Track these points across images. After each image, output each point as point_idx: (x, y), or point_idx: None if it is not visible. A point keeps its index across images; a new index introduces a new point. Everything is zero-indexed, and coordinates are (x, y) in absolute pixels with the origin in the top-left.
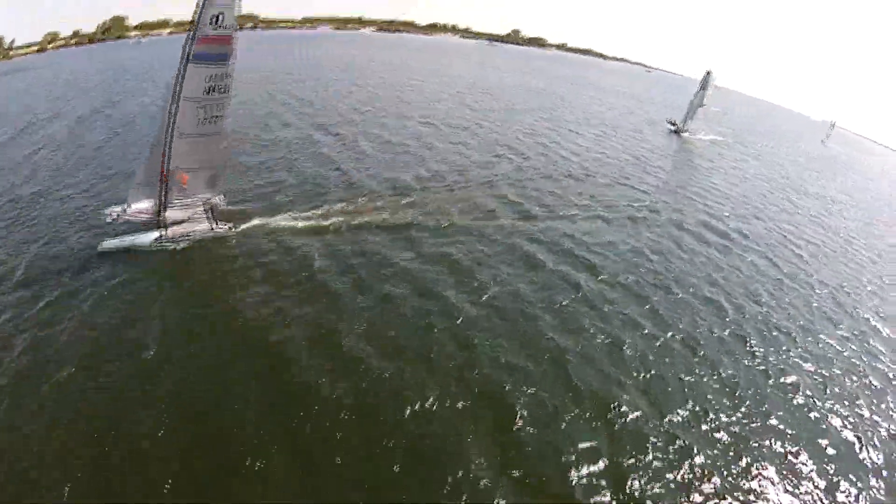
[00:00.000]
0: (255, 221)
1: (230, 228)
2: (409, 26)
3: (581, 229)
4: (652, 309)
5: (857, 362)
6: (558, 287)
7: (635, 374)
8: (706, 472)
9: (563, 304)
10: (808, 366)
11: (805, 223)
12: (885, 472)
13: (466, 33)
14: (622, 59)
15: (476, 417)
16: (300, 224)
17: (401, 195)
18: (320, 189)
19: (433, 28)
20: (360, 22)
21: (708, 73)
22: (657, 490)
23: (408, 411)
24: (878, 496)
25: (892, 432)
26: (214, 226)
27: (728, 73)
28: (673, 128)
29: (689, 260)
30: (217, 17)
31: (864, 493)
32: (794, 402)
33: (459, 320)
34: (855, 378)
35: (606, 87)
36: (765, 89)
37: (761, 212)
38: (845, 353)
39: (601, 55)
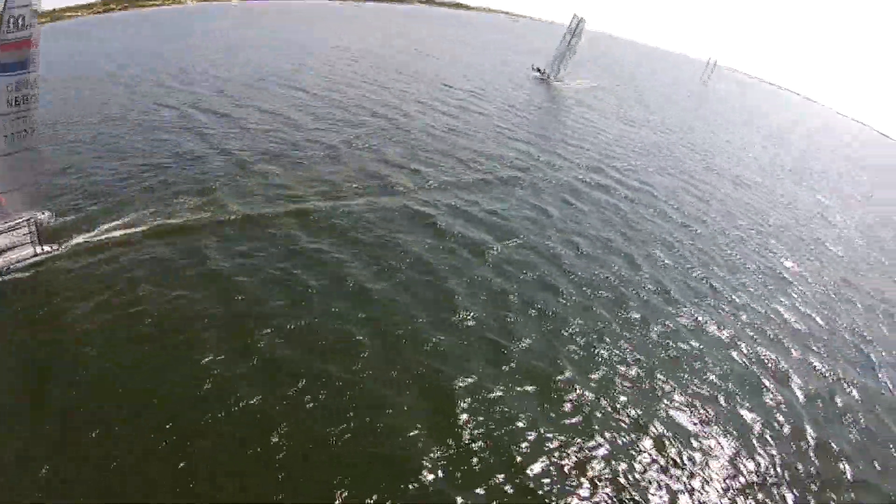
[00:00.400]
0: (90, 234)
1: (57, 247)
2: None
3: (476, 191)
4: (561, 266)
5: (762, 305)
6: (466, 255)
7: (561, 342)
8: (616, 418)
9: (475, 273)
10: (711, 304)
11: (688, 162)
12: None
13: None
14: (486, 10)
15: (404, 388)
16: (146, 227)
17: (285, 170)
18: (171, 182)
19: None
20: None
21: (579, 19)
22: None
23: (333, 405)
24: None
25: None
26: (39, 249)
27: (602, 18)
28: (540, 75)
29: (586, 212)
30: (17, 21)
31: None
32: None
33: (373, 305)
34: (761, 321)
35: (473, 42)
36: (641, 32)
37: (646, 156)
38: (752, 291)
39: (465, 6)
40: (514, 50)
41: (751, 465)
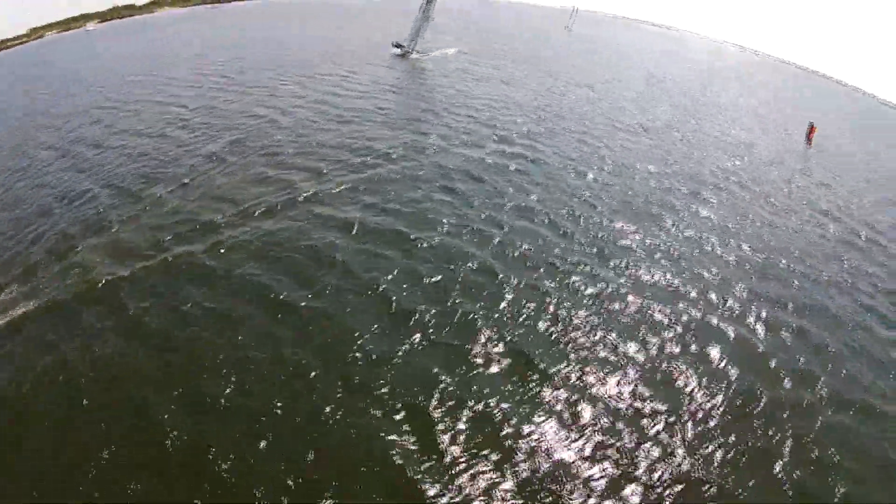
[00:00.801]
0: None
1: None
2: (131, 9)
3: (378, 182)
4: (490, 246)
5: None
6: (390, 254)
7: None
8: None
9: (406, 270)
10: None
11: (566, 113)
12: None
13: (186, 2)
14: None
15: (363, 410)
16: (50, 288)
17: (181, 192)
18: (65, 230)
19: (154, 5)
20: (84, 18)
21: None
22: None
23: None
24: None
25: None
26: None
27: None
28: (399, 51)
29: (497, 185)
30: None
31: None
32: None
33: (310, 323)
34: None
35: (336, 27)
36: None
37: (529, 117)
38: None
39: None
40: (379, 29)
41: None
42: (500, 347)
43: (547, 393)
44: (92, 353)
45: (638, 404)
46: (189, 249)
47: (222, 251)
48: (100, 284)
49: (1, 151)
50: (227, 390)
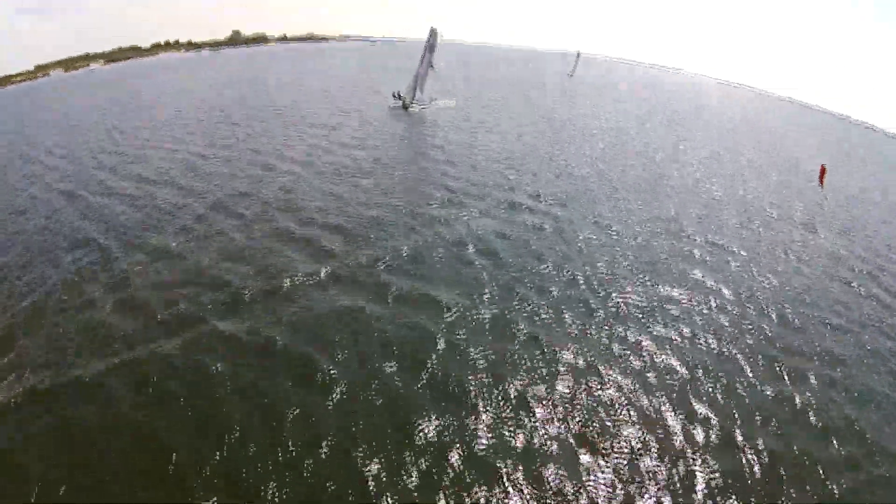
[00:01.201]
0: None
1: None
2: (136, 51)
3: (392, 243)
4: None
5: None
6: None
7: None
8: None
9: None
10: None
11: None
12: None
13: (190, 46)
14: (345, 37)
15: None
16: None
17: (180, 261)
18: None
19: (158, 48)
20: (87, 58)
21: (433, 31)
22: None
23: None
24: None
25: None
26: None
27: (455, 27)
28: (398, 102)
29: (526, 241)
30: None
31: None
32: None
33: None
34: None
35: (333, 72)
36: (496, 35)
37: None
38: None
39: (323, 38)
40: (379, 74)
41: None
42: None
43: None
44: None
45: (673, 467)
46: (214, 322)
47: (247, 320)
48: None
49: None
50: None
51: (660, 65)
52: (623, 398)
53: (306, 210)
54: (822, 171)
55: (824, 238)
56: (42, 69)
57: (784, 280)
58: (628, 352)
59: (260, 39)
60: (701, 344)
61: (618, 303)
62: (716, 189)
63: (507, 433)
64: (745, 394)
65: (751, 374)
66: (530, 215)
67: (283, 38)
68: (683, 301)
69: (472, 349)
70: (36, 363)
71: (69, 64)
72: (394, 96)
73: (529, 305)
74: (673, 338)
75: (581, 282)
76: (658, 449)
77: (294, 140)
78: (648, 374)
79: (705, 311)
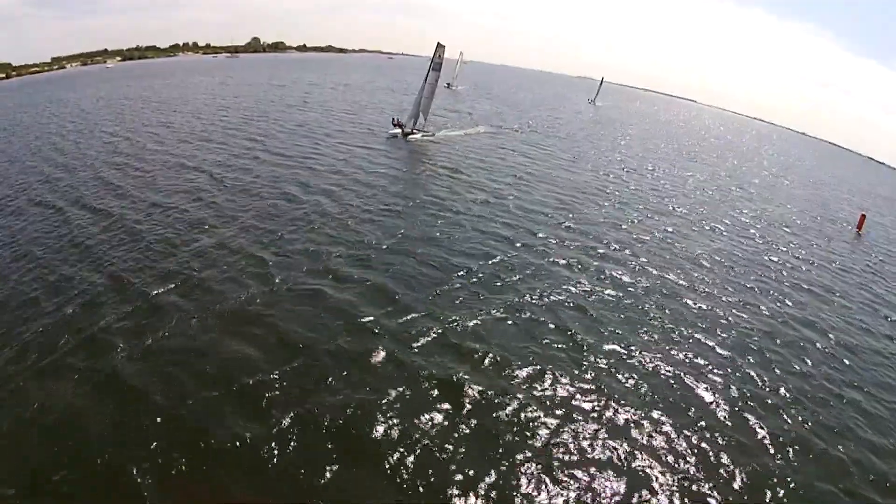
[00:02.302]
0: None
1: None
2: (154, 50)
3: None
4: None
5: None
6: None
7: None
8: None
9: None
10: None
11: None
12: None
13: (208, 49)
14: (362, 51)
15: None
16: None
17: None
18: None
19: (176, 49)
20: (104, 54)
21: (439, 47)
22: None
23: None
24: None
25: None
26: None
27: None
28: (397, 130)
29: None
30: None
31: None
32: None
33: None
34: None
35: (354, 84)
36: (530, 59)
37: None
38: None
39: (342, 50)
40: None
41: None
42: None
43: None
44: None
45: None
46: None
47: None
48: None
49: None
50: None
51: (673, 94)
52: None
53: None
54: (862, 219)
55: None
56: (58, 61)
57: None
58: None
59: (279, 47)
60: None
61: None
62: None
63: None
64: None
65: None
66: None
67: (302, 48)
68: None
69: None
70: None
71: (87, 58)
72: (393, 123)
73: None
74: None
75: None
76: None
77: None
78: None
79: None
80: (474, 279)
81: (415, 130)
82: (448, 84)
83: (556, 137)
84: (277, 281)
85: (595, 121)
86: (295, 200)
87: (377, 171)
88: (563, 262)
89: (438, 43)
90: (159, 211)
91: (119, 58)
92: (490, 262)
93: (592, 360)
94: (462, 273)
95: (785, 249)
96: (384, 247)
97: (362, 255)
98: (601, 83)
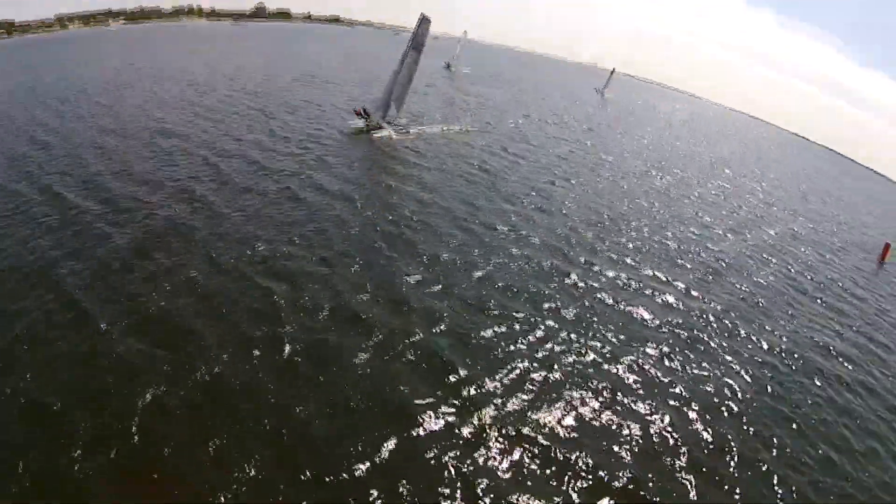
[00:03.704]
0: None
1: None
2: (157, 13)
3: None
4: None
5: None
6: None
7: None
8: None
9: None
10: None
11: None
12: None
13: (212, 15)
14: (367, 24)
15: None
16: None
17: None
18: None
19: (179, 13)
20: (108, 15)
21: (422, 19)
22: None
23: None
24: None
25: None
26: None
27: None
28: (360, 122)
29: None
30: None
31: None
32: None
33: None
34: None
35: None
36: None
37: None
38: None
39: (350, 22)
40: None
41: None
42: None
43: None
44: None
45: None
46: None
47: None
48: None
49: None
50: None
51: (674, 87)
52: None
53: None
54: (886, 248)
55: None
56: (61, 21)
57: None
58: None
59: (284, 15)
60: None
61: None
62: None
63: None
64: None
65: None
66: None
67: (308, 17)
68: None
69: None
70: None
71: (89, 19)
72: (357, 113)
73: None
74: None
75: None
76: None
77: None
78: None
79: None
80: None
81: (383, 124)
82: (447, 64)
83: (567, 142)
84: None
85: (613, 118)
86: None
87: (306, 201)
88: None
89: (422, 15)
90: None
91: (122, 19)
92: None
93: None
94: None
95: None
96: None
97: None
98: (612, 74)
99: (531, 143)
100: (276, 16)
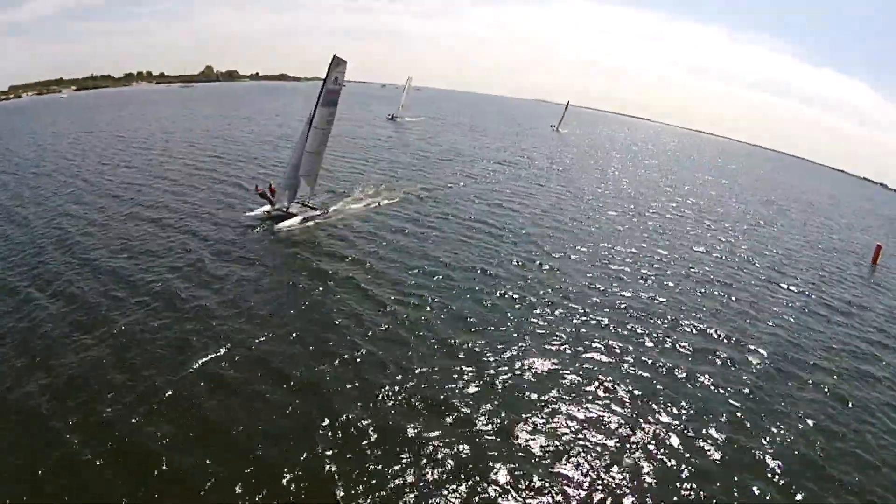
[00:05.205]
0: None
1: None
2: (108, 79)
3: None
4: None
5: None
6: None
7: None
8: None
9: None
10: None
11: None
12: None
13: (162, 78)
14: (315, 79)
15: None
16: None
17: None
18: None
19: (130, 78)
20: (60, 83)
21: (335, 62)
22: None
23: None
24: None
25: None
26: None
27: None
28: (265, 208)
29: None
30: None
31: None
32: None
33: None
34: None
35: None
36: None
37: None
38: None
39: (295, 78)
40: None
41: None
42: None
43: None
44: None
45: None
46: None
47: None
48: None
49: None
50: None
51: (626, 114)
52: None
53: None
54: (878, 250)
55: None
56: (15, 90)
57: None
58: None
59: (233, 76)
60: None
61: None
62: None
63: None
64: None
65: None
66: None
67: (255, 76)
68: None
69: None
70: None
71: (43, 87)
72: (261, 194)
73: None
74: None
75: None
76: None
77: None
78: None
79: None
80: None
81: (293, 208)
82: (392, 115)
83: (527, 200)
84: None
85: (571, 163)
86: None
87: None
88: None
89: (334, 57)
90: None
91: (74, 87)
92: None
93: None
94: None
95: None
96: None
97: None
98: (566, 108)
99: (478, 208)
100: (224, 76)
